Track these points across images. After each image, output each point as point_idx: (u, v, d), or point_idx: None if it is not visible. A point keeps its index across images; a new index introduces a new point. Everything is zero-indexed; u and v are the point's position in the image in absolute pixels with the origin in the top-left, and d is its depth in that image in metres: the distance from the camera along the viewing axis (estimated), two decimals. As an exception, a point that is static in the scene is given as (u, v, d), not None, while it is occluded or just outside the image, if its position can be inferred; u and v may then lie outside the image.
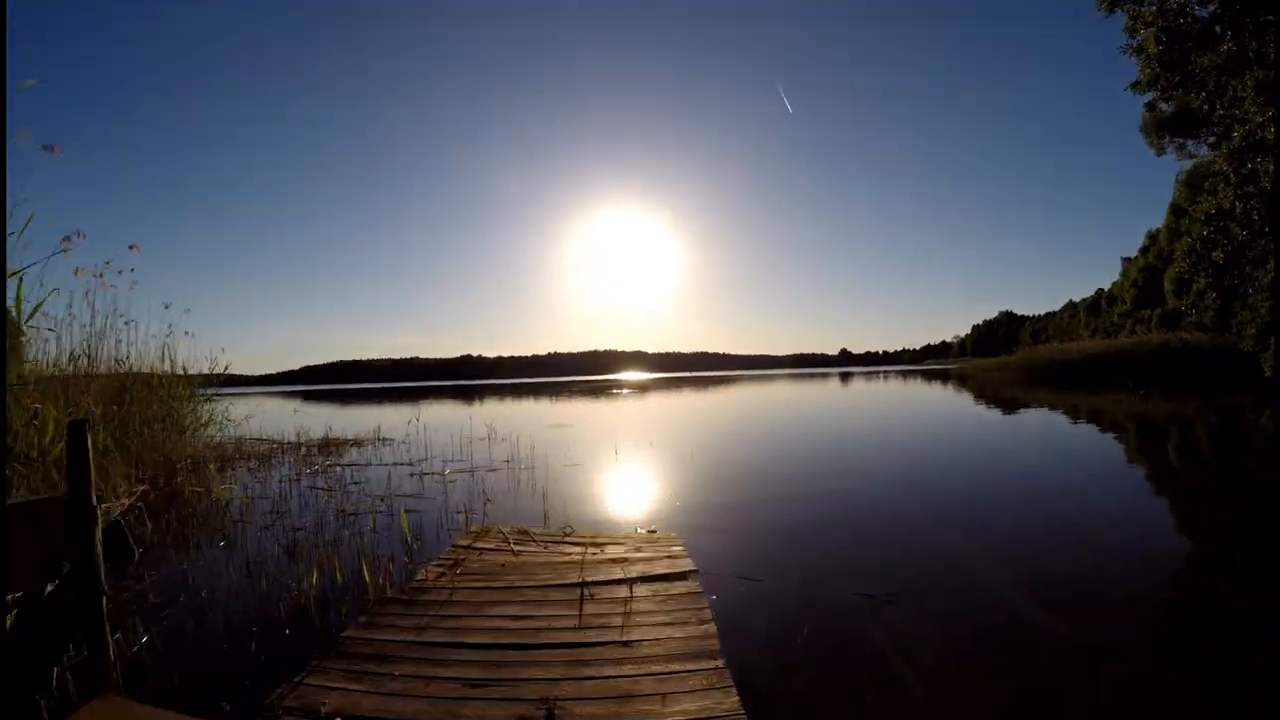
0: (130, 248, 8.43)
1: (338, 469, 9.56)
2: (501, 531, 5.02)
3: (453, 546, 4.67)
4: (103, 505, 6.92)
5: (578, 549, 4.53)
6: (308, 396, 51.53)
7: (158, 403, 9.24)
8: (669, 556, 4.27)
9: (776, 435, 13.71)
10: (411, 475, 8.80)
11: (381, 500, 7.12)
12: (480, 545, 4.65)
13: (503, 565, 4.13)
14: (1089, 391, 22.83)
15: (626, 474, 8.83)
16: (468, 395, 42.30)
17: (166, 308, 10.57)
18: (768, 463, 9.66)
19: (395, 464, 9.97)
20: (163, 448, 9.06)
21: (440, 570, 4.02)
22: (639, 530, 5.36)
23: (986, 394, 24.73)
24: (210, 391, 11.92)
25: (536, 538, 4.88)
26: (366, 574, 3.91)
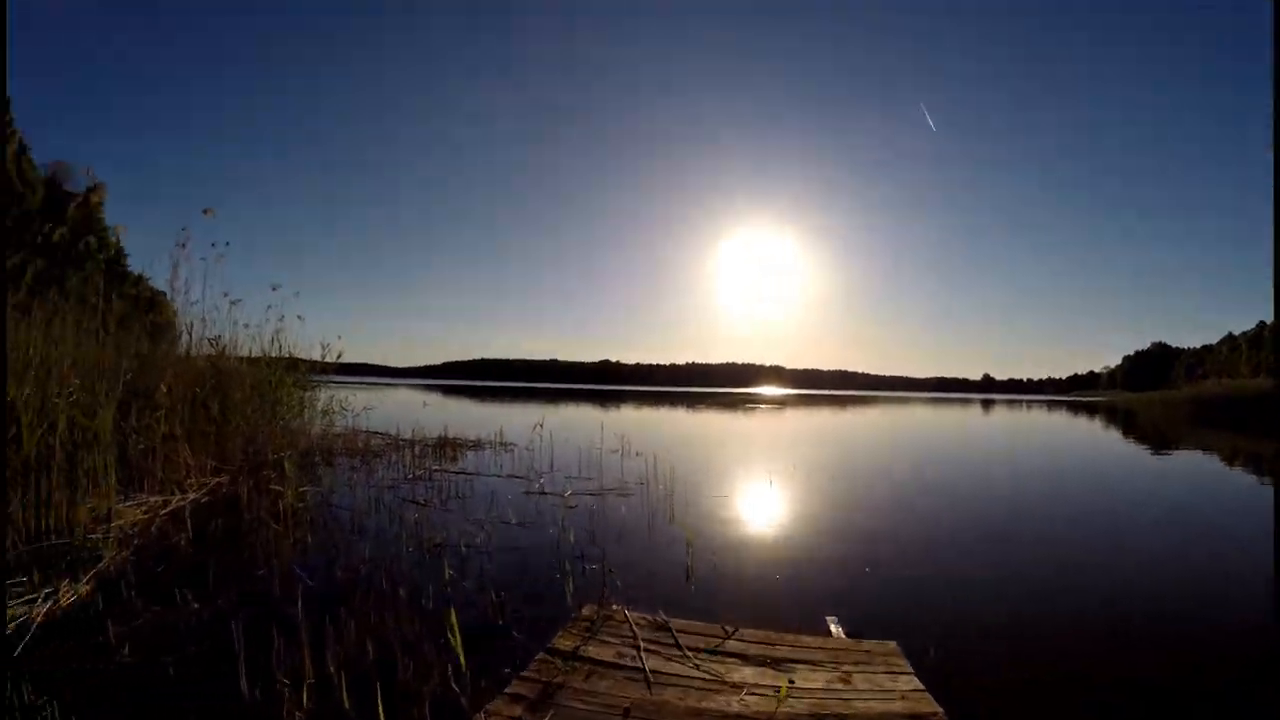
0: (204, 212, 7.51)
1: (444, 476, 8.22)
2: (629, 620, 3.22)
3: (546, 653, 2.87)
4: (155, 498, 5.87)
5: (751, 673, 2.69)
6: (446, 391, 52.39)
7: (251, 387, 8.23)
8: (913, 716, 2.34)
9: (955, 473, 11.20)
10: (526, 494, 7.28)
11: (481, 528, 5.62)
12: (592, 652, 2.84)
13: (626, 711, 2.33)
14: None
15: (787, 514, 6.93)
16: (604, 401, 41.19)
17: (274, 289, 9.63)
18: (967, 513, 7.40)
19: (510, 476, 8.54)
20: (257, 437, 8.10)
21: (516, 713, 2.27)
22: (833, 625, 3.49)
23: (1166, 436, 20.70)
24: (323, 379, 11.03)
25: (683, 639, 3.02)
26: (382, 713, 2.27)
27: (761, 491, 8.16)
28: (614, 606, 3.49)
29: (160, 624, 3.30)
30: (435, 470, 8.73)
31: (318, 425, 10.52)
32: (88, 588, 3.67)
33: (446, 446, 11.17)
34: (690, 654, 2.89)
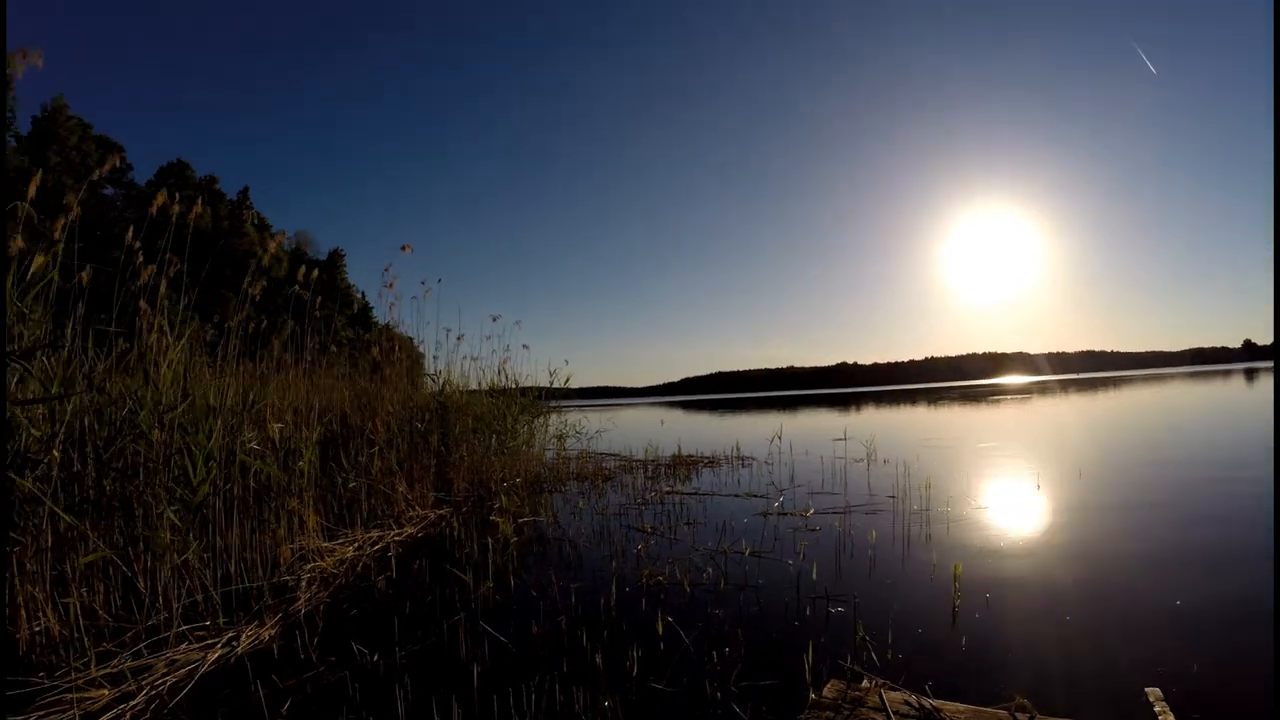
0: (402, 248, 7.77)
1: (677, 498, 7.59)
2: (884, 705, 2.32)
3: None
4: (372, 533, 5.77)
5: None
6: (686, 406, 52.72)
7: (476, 418, 8.22)
8: None
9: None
10: (764, 515, 6.40)
11: (710, 559, 4.84)
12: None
13: None
14: None
15: (1063, 530, 5.34)
16: (843, 404, 39.04)
17: (494, 320, 9.81)
18: None
19: (747, 495, 7.69)
20: (482, 468, 8.06)
21: None
22: (1157, 704, 2.38)
23: None
24: (556, 404, 11.01)
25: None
26: None
27: (1028, 501, 6.59)
28: (865, 683, 2.56)
29: (326, 682, 2.88)
30: (667, 492, 8.13)
31: (550, 451, 10.47)
32: (271, 632, 3.40)
33: (680, 465, 10.60)
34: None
